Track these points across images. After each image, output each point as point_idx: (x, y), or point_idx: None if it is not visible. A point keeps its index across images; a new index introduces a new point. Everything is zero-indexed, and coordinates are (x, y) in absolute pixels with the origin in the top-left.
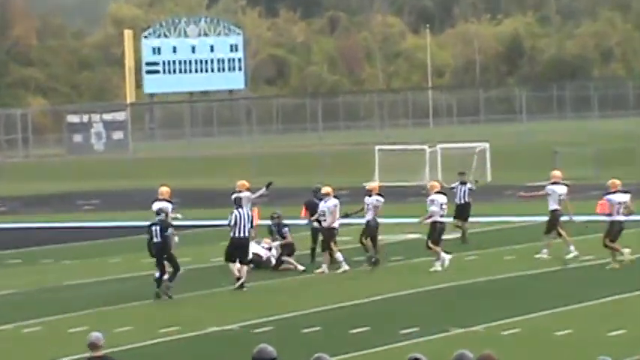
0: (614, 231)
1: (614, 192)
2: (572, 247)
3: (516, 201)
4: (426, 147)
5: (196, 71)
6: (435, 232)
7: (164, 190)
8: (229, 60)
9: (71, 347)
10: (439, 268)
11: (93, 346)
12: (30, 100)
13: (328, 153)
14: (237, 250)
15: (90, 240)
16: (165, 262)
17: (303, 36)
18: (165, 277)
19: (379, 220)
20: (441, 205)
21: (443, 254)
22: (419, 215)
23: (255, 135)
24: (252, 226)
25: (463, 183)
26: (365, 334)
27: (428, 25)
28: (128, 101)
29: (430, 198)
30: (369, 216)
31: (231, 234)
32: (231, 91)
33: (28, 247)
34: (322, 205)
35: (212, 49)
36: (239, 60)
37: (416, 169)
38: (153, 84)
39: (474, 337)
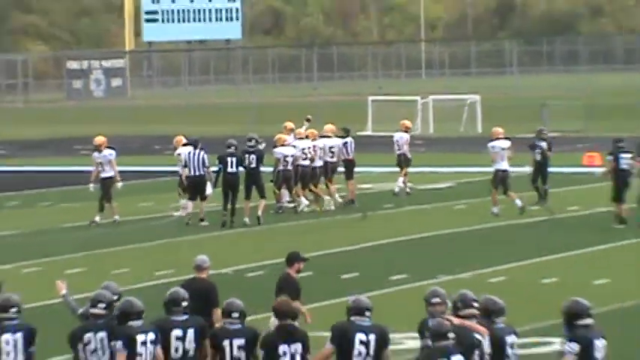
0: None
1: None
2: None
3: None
4: (418, 98)
5: (194, 20)
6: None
7: (98, 139)
8: (227, 10)
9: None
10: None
11: (198, 268)
12: (30, 46)
13: (322, 103)
14: (194, 188)
15: (86, 184)
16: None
17: None
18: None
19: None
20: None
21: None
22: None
23: (252, 84)
24: (204, 165)
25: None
26: (355, 279)
27: None
28: (127, 49)
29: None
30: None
31: (187, 174)
32: (228, 41)
33: (26, 189)
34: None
35: None
36: (236, 10)
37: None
38: (152, 32)
39: (461, 284)
